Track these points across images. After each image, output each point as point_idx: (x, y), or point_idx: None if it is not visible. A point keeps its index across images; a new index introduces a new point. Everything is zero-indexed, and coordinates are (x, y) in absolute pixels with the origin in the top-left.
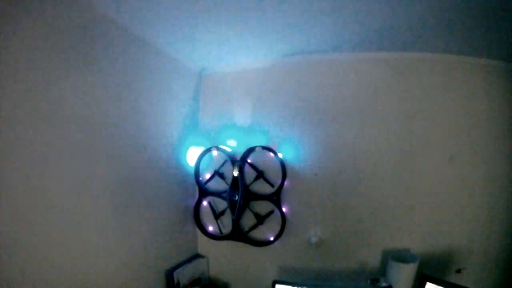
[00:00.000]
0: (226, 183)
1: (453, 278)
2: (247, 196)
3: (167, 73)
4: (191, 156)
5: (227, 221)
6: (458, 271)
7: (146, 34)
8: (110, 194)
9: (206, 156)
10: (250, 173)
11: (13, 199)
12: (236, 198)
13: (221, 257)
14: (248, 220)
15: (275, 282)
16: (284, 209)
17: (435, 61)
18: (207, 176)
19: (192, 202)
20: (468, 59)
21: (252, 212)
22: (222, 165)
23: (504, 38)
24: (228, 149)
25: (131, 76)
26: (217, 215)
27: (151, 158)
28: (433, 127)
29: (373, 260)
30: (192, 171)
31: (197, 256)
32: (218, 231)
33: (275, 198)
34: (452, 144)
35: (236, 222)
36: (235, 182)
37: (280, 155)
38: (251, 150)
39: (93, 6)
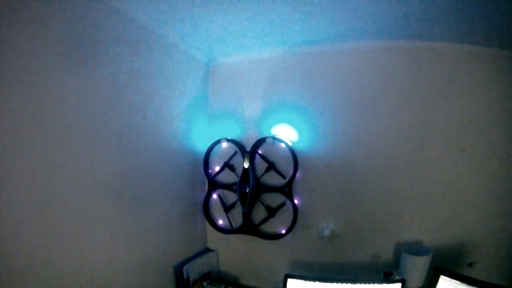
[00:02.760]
0: (236, 175)
1: (465, 272)
2: (258, 188)
3: (174, 63)
4: (200, 148)
5: (237, 214)
6: (470, 264)
7: (152, 23)
8: (117, 188)
9: (216, 148)
10: (260, 165)
11: (15, 198)
12: (247, 191)
13: (231, 251)
14: (259, 213)
15: (287, 276)
16: (296, 201)
17: (447, 51)
18: (217, 168)
19: (202, 195)
20: (482, 49)
21: (263, 204)
22: (232, 156)
23: None
24: (238, 141)
25: (137, 67)
26: (227, 208)
27: (159, 151)
28: (445, 117)
29: (386, 253)
30: (201, 163)
31: (206, 250)
32: (228, 225)
33: (287, 190)
34: (464, 135)
35: (246, 215)
36: (246, 174)
37: (291, 145)
38: (261, 141)
39: None
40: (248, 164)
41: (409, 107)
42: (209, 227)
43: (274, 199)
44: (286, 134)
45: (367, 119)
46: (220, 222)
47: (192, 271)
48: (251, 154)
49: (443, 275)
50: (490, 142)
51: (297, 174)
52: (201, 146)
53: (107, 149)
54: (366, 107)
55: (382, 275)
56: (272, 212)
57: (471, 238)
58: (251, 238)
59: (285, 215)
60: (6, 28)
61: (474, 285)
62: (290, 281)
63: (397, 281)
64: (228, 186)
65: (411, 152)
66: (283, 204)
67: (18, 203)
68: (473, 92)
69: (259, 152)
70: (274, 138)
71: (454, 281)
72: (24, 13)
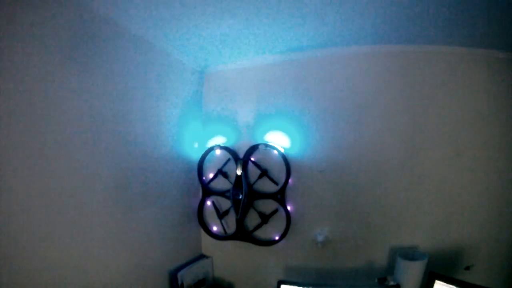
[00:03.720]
0: (230, 182)
1: (462, 276)
2: (251, 195)
3: (168, 72)
4: (194, 155)
5: (231, 221)
6: (467, 268)
7: (145, 32)
8: (111, 194)
9: (209, 155)
10: (253, 172)
11: (12, 199)
12: (240, 197)
13: (225, 258)
14: (252, 219)
15: (280, 282)
16: (289, 208)
17: (440, 54)
18: (210, 175)
19: (196, 201)
20: (474, 50)
21: (257, 211)
22: (225, 163)
23: (508, 28)
24: (231, 148)
25: (131, 75)
26: (221, 215)
27: (153, 157)
28: (440, 121)
29: (381, 258)
30: (195, 170)
31: (201, 256)
32: (222, 231)
33: (280, 196)
34: (459, 138)
35: (240, 222)
36: (239, 181)
37: (283, 152)
38: (254, 148)
39: (90, 5)
40: (241, 171)
41: (403, 111)
42: (203, 234)
43: (267, 206)
44: (279, 140)
45: (360, 124)
46: (215, 228)
47: (187, 277)
48: (244, 161)
49: (438, 280)
50: (486, 145)
51: (290, 181)
52: (195, 153)
53: (103, 155)
54: (358, 112)
55: (376, 280)
56: (265, 218)
57: (468, 241)
58: (245, 244)
59: (279, 222)
60: (7, 30)
61: None
62: (283, 287)
63: (392, 286)
64: (221, 193)
65: (405, 156)
66: (276, 211)
67: (15, 204)
68: (467, 95)
69: (252, 159)
70: (266, 145)
71: (450, 286)
72: (25, 17)
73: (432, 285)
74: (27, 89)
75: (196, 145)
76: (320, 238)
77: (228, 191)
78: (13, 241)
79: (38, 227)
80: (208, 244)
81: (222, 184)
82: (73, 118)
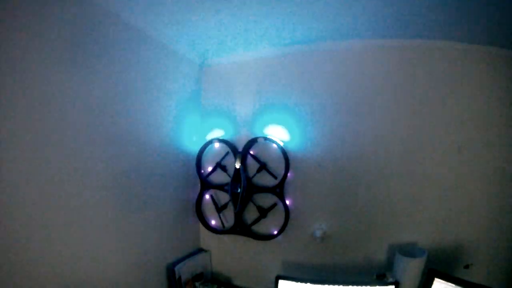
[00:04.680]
0: (228, 175)
1: (461, 274)
2: (249, 188)
3: (167, 66)
4: (193, 148)
5: (229, 215)
6: (466, 266)
7: (144, 25)
8: (109, 189)
9: (208, 149)
10: (252, 165)
11: (10, 197)
12: (238, 191)
13: (224, 252)
14: (251, 213)
15: (278, 278)
16: (287, 202)
17: (441, 49)
18: (209, 168)
19: (194, 195)
20: (477, 47)
21: (255, 205)
22: (224, 157)
23: (510, 25)
24: (230, 141)
25: (130, 69)
26: (219, 209)
27: (151, 151)
28: (441, 116)
29: (379, 254)
30: (194, 164)
31: (200, 250)
32: (221, 225)
33: (278, 190)
34: (460, 134)
35: (238, 216)
36: (237, 175)
37: (282, 145)
38: (253, 141)
39: None
40: (240, 165)
41: (404, 106)
42: (202, 227)
43: (266, 200)
44: (278, 134)
45: (360, 118)
46: (213, 222)
47: (184, 271)
48: (243, 155)
49: (437, 277)
50: (487, 141)
51: (289, 175)
52: (194, 147)
53: (101, 150)
54: (359, 106)
55: (375, 277)
56: (263, 212)
57: (468, 239)
58: (244, 238)
59: (277, 216)
60: (6, 26)
61: None
62: (281, 283)
63: (391, 283)
64: (220, 187)
65: (405, 152)
66: (274, 205)
67: (13, 203)
68: (469, 91)
69: (251, 152)
70: (265, 138)
71: (449, 284)
72: (24, 15)
73: (431, 283)
74: (25, 84)
75: (194, 138)
76: (318, 233)
77: (226, 184)
78: (12, 240)
79: (36, 224)
80: (206, 238)
81: (220, 177)
82: (72, 114)
